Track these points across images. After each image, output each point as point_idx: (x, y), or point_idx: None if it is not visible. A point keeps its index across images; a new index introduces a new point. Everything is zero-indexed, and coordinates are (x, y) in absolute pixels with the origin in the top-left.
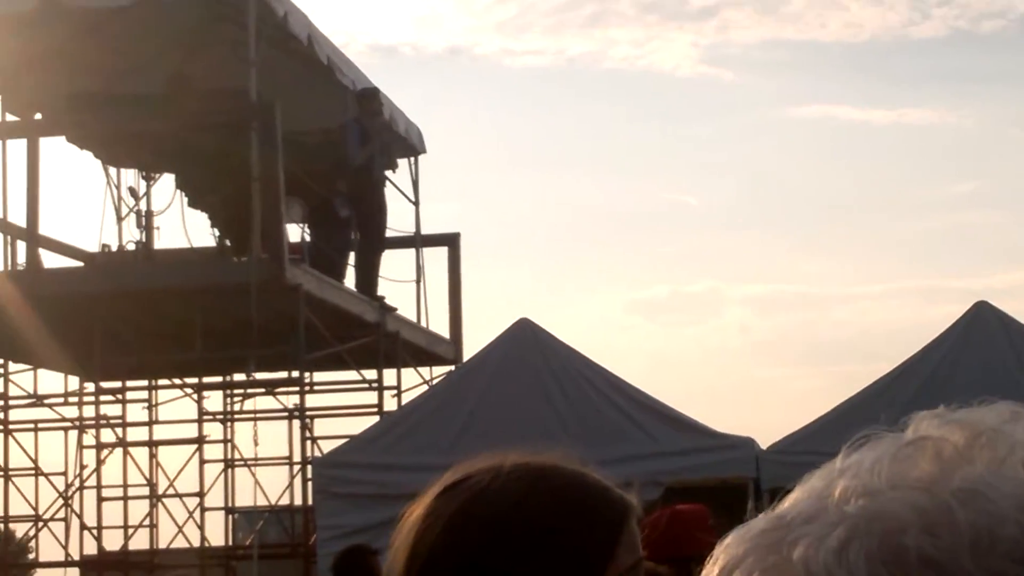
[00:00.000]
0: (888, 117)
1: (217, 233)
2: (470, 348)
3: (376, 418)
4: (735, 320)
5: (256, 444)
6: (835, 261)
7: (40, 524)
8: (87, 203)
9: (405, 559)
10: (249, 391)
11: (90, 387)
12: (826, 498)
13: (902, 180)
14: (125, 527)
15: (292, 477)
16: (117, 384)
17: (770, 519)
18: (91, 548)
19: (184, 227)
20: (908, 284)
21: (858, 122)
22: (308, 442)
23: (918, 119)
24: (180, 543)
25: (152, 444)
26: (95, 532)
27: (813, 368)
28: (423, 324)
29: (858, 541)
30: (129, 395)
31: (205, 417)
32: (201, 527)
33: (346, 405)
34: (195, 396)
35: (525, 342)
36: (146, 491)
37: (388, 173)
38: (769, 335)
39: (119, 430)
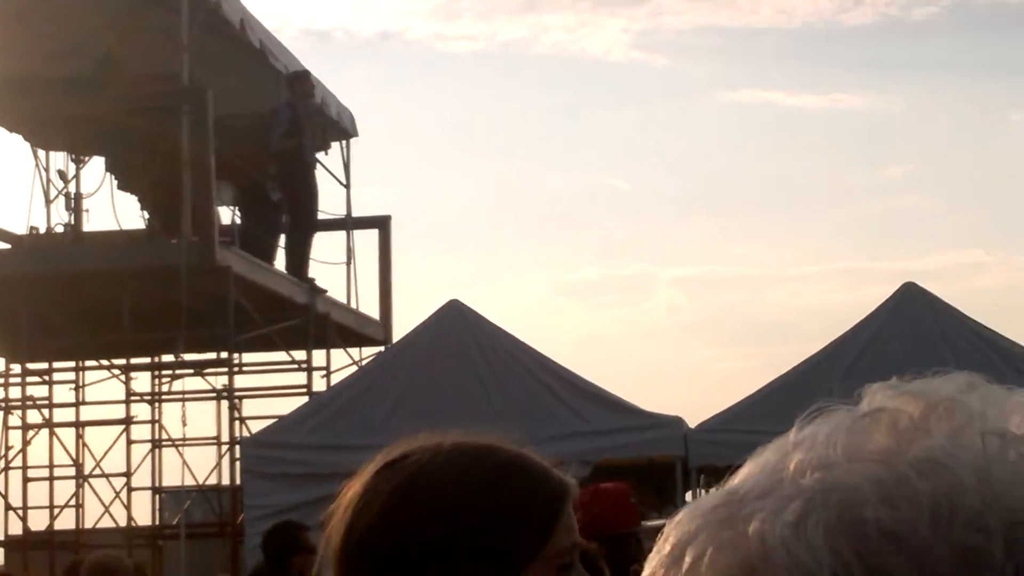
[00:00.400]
0: (820, 103)
1: (147, 216)
2: (400, 330)
3: (305, 399)
4: (666, 302)
5: (184, 424)
6: (768, 244)
7: None
8: (15, 186)
9: (342, 535)
10: (177, 372)
11: (16, 369)
12: (780, 471)
13: (835, 165)
14: (51, 507)
15: (220, 457)
16: (44, 365)
17: (722, 494)
18: (16, 528)
19: (114, 210)
20: (841, 266)
21: (791, 108)
22: (236, 422)
23: (850, 104)
24: (107, 523)
25: (79, 425)
26: (20, 512)
27: (745, 349)
28: (353, 306)
29: (815, 514)
30: (56, 376)
31: (133, 398)
32: (128, 507)
33: (275, 386)
34: (123, 377)
35: (455, 323)
36: (72, 471)
37: (320, 156)
38: (701, 317)
39: (45, 411)
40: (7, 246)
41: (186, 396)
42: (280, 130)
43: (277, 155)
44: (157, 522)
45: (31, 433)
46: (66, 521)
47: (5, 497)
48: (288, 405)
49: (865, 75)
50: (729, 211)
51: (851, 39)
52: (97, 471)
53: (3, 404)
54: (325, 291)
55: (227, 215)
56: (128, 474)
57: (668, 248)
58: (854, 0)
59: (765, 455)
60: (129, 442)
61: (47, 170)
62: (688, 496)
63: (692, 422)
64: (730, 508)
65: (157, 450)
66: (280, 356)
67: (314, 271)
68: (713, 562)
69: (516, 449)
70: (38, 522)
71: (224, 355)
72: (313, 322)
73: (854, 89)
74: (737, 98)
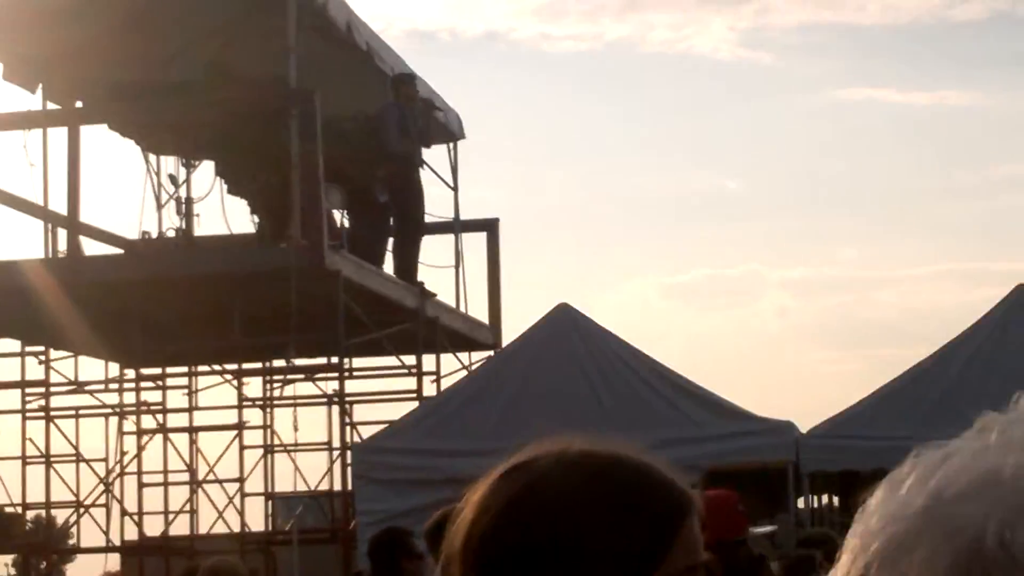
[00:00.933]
0: (929, 100)
1: (257, 220)
2: (509, 334)
3: (415, 404)
4: (775, 304)
5: (296, 430)
6: (877, 245)
7: (81, 510)
8: (128, 191)
9: (462, 539)
10: (289, 377)
11: (130, 374)
12: (994, 473)
13: (944, 163)
14: (165, 513)
15: (332, 463)
16: (157, 371)
17: (926, 495)
18: (132, 534)
19: (224, 214)
20: (950, 267)
21: (899, 105)
22: (347, 428)
23: (959, 102)
24: (220, 528)
25: (192, 430)
26: (135, 518)
27: (853, 352)
28: (462, 310)
29: None
30: (169, 382)
31: (245, 403)
32: (241, 512)
33: (385, 391)
34: (235, 382)
35: (564, 327)
36: (186, 477)
37: (427, 157)
38: (809, 319)
39: (159, 416)
40: (120, 251)
41: (298, 401)
42: (393, 131)
43: (392, 156)
44: (270, 528)
45: (145, 439)
46: (180, 527)
47: (121, 503)
48: (399, 410)
49: (974, 72)
50: (837, 211)
51: (960, 35)
52: (210, 476)
53: (118, 409)
54: (434, 295)
55: (336, 218)
56: (241, 479)
57: (776, 248)
58: None
59: (938, 456)
60: (242, 447)
61: (158, 175)
62: (800, 502)
63: (802, 426)
64: (942, 508)
65: (269, 455)
66: (390, 361)
67: (423, 275)
68: (932, 562)
69: (643, 460)
70: (153, 527)
71: (335, 360)
72: (422, 326)
73: (963, 86)
74: (845, 96)
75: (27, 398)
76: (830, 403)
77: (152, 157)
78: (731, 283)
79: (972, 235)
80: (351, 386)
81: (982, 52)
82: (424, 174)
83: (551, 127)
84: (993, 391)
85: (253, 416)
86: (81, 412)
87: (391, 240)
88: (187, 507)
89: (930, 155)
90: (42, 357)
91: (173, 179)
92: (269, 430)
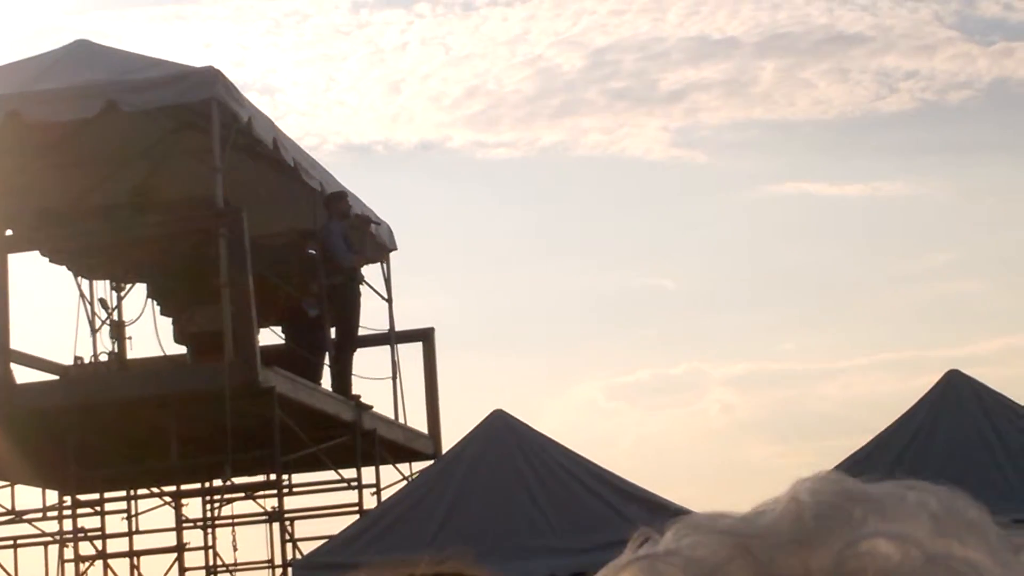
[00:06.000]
0: (863, 191)
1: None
2: (449, 442)
3: (357, 517)
4: (719, 400)
5: (235, 549)
6: (817, 336)
7: None
8: (62, 316)
9: None
10: (228, 496)
11: (68, 500)
12: None
13: (880, 253)
14: None
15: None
16: (95, 496)
17: None
18: None
19: (157, 335)
20: (891, 356)
21: (833, 197)
22: (288, 544)
23: (892, 192)
24: None
25: (132, 555)
26: None
27: (800, 444)
28: (401, 420)
29: None
30: (108, 506)
31: (185, 525)
32: None
33: (326, 505)
34: (174, 504)
35: (500, 434)
36: None
37: (364, 270)
38: (754, 413)
39: (98, 542)
40: (54, 377)
41: (238, 520)
42: (341, 246)
43: (341, 271)
44: None
45: (85, 565)
46: None
47: None
48: (340, 524)
49: (906, 161)
50: (775, 304)
51: (889, 126)
52: None
53: (57, 537)
54: (371, 407)
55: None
56: None
57: (717, 344)
58: (889, 88)
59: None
60: (182, 570)
61: (91, 299)
62: None
63: None
64: None
65: None
66: (330, 475)
67: (360, 386)
68: None
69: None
70: None
71: (273, 477)
72: (360, 439)
73: (895, 176)
74: (779, 191)
75: None
76: None
77: (84, 282)
78: (675, 381)
79: (909, 323)
80: (291, 502)
81: (912, 141)
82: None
83: (486, 234)
84: (929, 476)
85: (194, 537)
86: (19, 542)
87: (326, 354)
88: None
89: (866, 245)
90: None
91: (103, 303)
92: (211, 550)
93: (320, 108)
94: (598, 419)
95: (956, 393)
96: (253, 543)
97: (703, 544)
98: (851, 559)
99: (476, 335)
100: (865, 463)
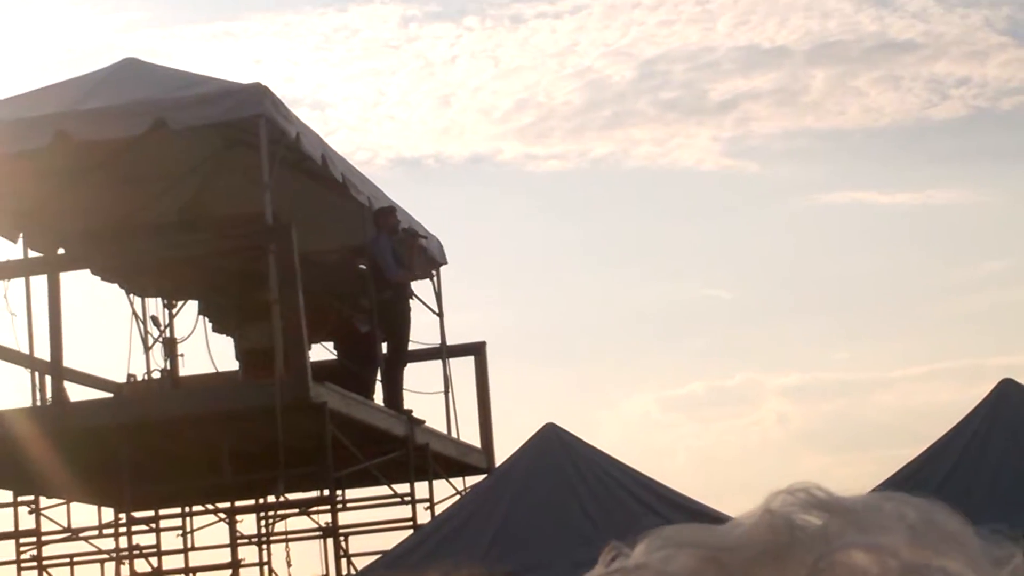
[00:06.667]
0: (916, 199)
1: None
2: (503, 456)
3: (411, 532)
4: (774, 411)
5: (289, 565)
6: (873, 346)
7: None
8: (115, 334)
9: None
10: (282, 512)
11: (123, 518)
12: None
13: (934, 261)
14: None
15: None
16: (150, 513)
17: None
18: None
19: (209, 352)
20: (948, 365)
21: (886, 206)
22: (343, 560)
23: (946, 199)
24: None
25: (188, 572)
26: None
27: (858, 454)
28: (453, 435)
29: None
30: (163, 523)
31: (240, 541)
32: None
33: (380, 520)
34: (228, 521)
35: (552, 447)
36: None
37: (413, 286)
38: (810, 424)
39: (154, 560)
40: (108, 395)
41: (292, 536)
42: (389, 260)
43: (390, 285)
44: None
45: None
46: None
47: None
48: (394, 539)
49: (958, 169)
50: (830, 314)
51: (941, 133)
52: None
53: (113, 554)
54: (423, 422)
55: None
56: None
57: (772, 355)
58: (941, 95)
59: None
60: None
61: (143, 317)
62: None
63: None
64: None
65: None
66: (383, 490)
67: (412, 401)
68: None
69: None
70: None
71: (326, 493)
72: (413, 454)
73: (948, 184)
74: (831, 200)
75: (20, 548)
76: None
77: (136, 300)
78: (729, 392)
79: (965, 332)
80: (345, 518)
81: (964, 149)
82: (411, 301)
83: (538, 247)
84: (983, 485)
85: (249, 553)
86: (75, 559)
87: (378, 369)
88: None
89: (919, 254)
90: (32, 506)
91: (155, 320)
92: (266, 567)
93: (371, 122)
94: (653, 432)
95: (1010, 402)
96: (307, 559)
97: (674, 557)
98: (826, 571)
99: (528, 348)
100: (919, 474)
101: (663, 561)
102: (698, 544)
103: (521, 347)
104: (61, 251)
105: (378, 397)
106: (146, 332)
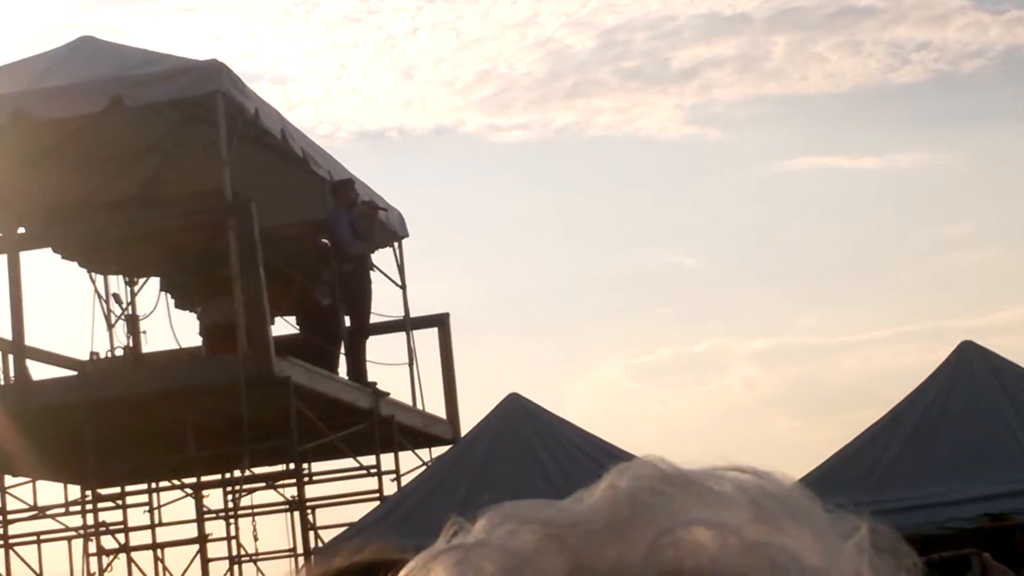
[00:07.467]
0: (878, 163)
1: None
2: (468, 427)
3: (377, 503)
4: (742, 376)
5: (256, 539)
6: (837, 310)
7: None
8: (78, 312)
9: None
10: (248, 486)
11: (89, 495)
12: None
13: (898, 225)
14: None
15: (297, 569)
16: (116, 490)
17: None
18: None
19: (172, 329)
20: (911, 328)
21: (849, 171)
22: (310, 532)
23: (908, 163)
24: None
25: (156, 547)
26: None
27: (824, 418)
28: (418, 406)
29: None
30: (129, 499)
31: (207, 516)
32: None
33: (346, 493)
34: (195, 496)
35: (515, 417)
36: None
37: (375, 258)
38: (778, 389)
39: (122, 536)
40: (71, 373)
41: (259, 510)
42: (347, 233)
43: (349, 259)
44: None
45: (108, 559)
46: None
47: None
48: (361, 511)
49: (921, 133)
50: (795, 279)
51: (903, 98)
52: None
53: (80, 532)
54: (387, 394)
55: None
56: None
57: (740, 322)
58: (901, 59)
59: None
60: (205, 560)
61: (105, 295)
62: None
63: None
64: None
65: (236, 566)
66: (349, 463)
67: (377, 373)
68: None
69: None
70: None
71: (292, 466)
72: (378, 426)
73: (911, 148)
74: (794, 166)
75: None
76: (805, 472)
77: (98, 277)
78: (696, 359)
79: (929, 294)
80: (311, 491)
81: (926, 112)
82: (373, 274)
83: (502, 217)
84: (943, 449)
85: (216, 528)
86: (42, 537)
87: (341, 342)
88: None
89: (883, 218)
90: None
91: (117, 298)
92: (234, 541)
93: (333, 96)
94: (621, 400)
95: (969, 364)
96: (275, 532)
97: (516, 534)
98: (667, 548)
99: (494, 319)
100: (882, 436)
101: (504, 538)
102: (541, 520)
103: (487, 318)
104: (21, 230)
105: (342, 370)
106: (108, 310)
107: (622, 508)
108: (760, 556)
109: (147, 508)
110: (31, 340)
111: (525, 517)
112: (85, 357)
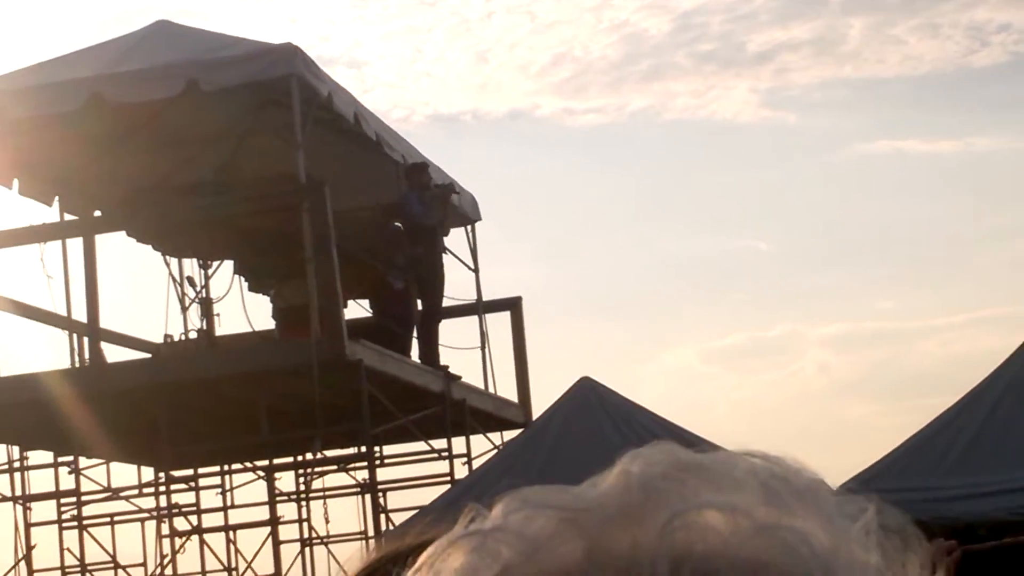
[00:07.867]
0: (956, 147)
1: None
2: (540, 410)
3: (447, 487)
4: (816, 361)
5: (327, 522)
6: (914, 294)
7: None
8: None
9: None
10: (320, 469)
11: (162, 477)
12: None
13: (975, 208)
14: None
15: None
16: (189, 472)
17: None
18: None
19: (245, 312)
20: (990, 312)
21: (926, 154)
22: (381, 515)
23: (987, 146)
24: None
25: (228, 529)
26: None
27: (899, 403)
28: (490, 390)
29: None
30: (202, 482)
31: (279, 498)
32: None
33: (418, 476)
34: (267, 478)
35: (587, 401)
36: None
37: (447, 243)
38: (851, 374)
39: (194, 517)
40: (145, 356)
41: (331, 493)
42: (417, 208)
43: (422, 229)
44: None
45: (181, 540)
46: None
47: None
48: (431, 495)
49: (999, 115)
50: (872, 264)
51: (982, 80)
52: (249, 573)
53: (153, 513)
54: (459, 377)
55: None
56: (278, 575)
57: (812, 306)
58: (981, 42)
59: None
60: (277, 543)
61: (180, 278)
62: None
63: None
64: None
65: (307, 549)
66: (421, 446)
67: (449, 357)
68: None
69: None
70: None
71: (364, 449)
72: (450, 409)
73: (990, 130)
74: (871, 149)
75: (61, 508)
76: (877, 458)
77: (173, 261)
78: (770, 344)
79: (1008, 278)
80: (383, 474)
81: (1006, 95)
82: (445, 258)
83: (576, 201)
84: (1018, 435)
85: (288, 511)
86: (116, 519)
87: (413, 326)
88: None
89: (961, 201)
90: (72, 467)
91: (191, 281)
92: (305, 523)
93: (407, 80)
94: (694, 384)
95: None
96: (346, 515)
97: (532, 519)
98: (679, 531)
99: (566, 303)
100: (956, 421)
101: (521, 523)
102: (556, 506)
103: (560, 302)
104: (97, 214)
105: (414, 354)
106: (183, 293)
107: (635, 493)
108: (771, 538)
109: (220, 490)
110: (106, 323)
111: (541, 502)
112: (159, 340)
